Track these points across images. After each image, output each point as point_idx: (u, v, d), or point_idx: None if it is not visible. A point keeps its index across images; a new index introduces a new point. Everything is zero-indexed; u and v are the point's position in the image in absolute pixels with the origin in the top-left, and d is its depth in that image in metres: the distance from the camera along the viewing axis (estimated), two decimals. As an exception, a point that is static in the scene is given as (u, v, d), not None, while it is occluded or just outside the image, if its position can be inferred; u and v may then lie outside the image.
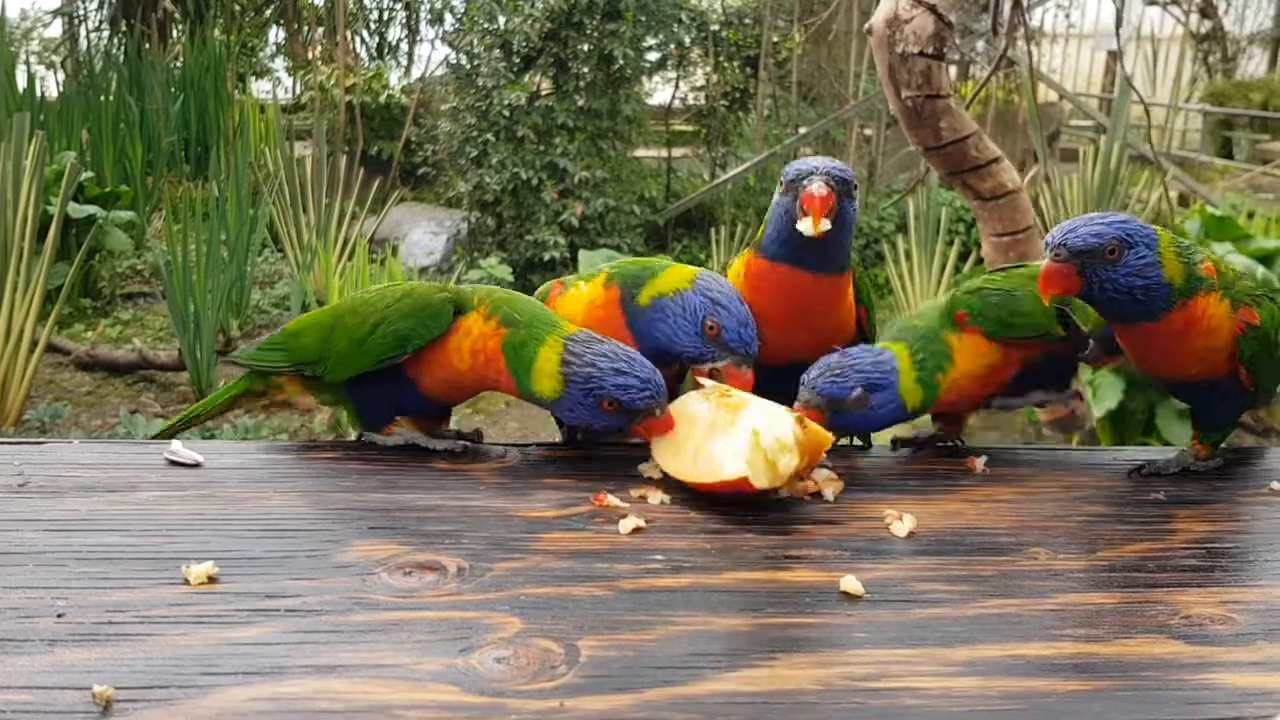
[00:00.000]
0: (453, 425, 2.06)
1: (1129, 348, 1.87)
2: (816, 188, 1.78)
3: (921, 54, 2.15)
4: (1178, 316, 1.75)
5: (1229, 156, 18.66)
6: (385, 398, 1.92)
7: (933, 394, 1.92)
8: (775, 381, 1.91)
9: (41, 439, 1.92)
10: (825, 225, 1.77)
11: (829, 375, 1.86)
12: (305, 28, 17.06)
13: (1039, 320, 1.92)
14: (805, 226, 1.79)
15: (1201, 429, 1.95)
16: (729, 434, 1.70)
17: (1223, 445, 1.97)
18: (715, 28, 13.47)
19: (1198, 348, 1.80)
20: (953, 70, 14.62)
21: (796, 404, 1.84)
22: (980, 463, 1.92)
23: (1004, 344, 1.94)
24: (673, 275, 1.88)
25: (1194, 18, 19.23)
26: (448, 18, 16.41)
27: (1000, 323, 1.92)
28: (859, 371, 1.86)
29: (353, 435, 1.98)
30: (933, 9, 2.05)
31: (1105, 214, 1.76)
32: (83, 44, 16.93)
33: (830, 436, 1.69)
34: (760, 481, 1.63)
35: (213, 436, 7.02)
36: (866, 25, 2.10)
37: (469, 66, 12.10)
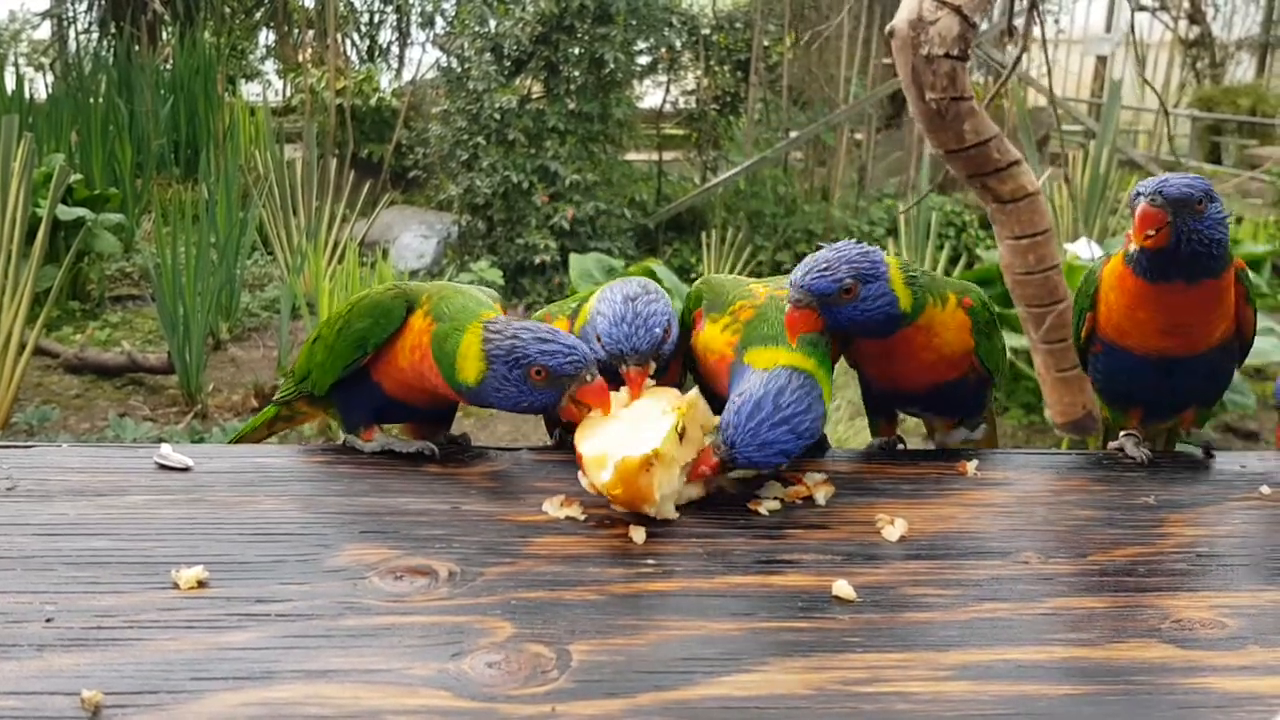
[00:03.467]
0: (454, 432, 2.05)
1: (1167, 324, 1.92)
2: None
3: (947, 56, 2.15)
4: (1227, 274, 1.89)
5: (1217, 161, 18.73)
6: (362, 403, 1.95)
7: (918, 305, 1.86)
8: None
9: (29, 442, 1.91)
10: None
11: (816, 271, 1.77)
12: (296, 30, 17.03)
13: (997, 371, 2.01)
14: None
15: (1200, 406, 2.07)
16: (631, 425, 1.68)
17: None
18: (706, 32, 13.47)
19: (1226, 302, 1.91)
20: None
21: (788, 306, 1.76)
22: (971, 466, 1.92)
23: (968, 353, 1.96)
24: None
25: (1183, 23, 19.31)
26: (439, 21, 16.39)
27: (987, 344, 1.96)
28: (848, 262, 1.78)
29: (340, 439, 1.98)
30: (958, 10, 2.05)
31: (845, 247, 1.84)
32: (72, 46, 16.86)
33: (653, 498, 1.59)
34: (588, 472, 1.62)
35: (202, 440, 6.99)
36: (888, 28, 2.10)
37: (460, 70, 12.09)
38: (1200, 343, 1.93)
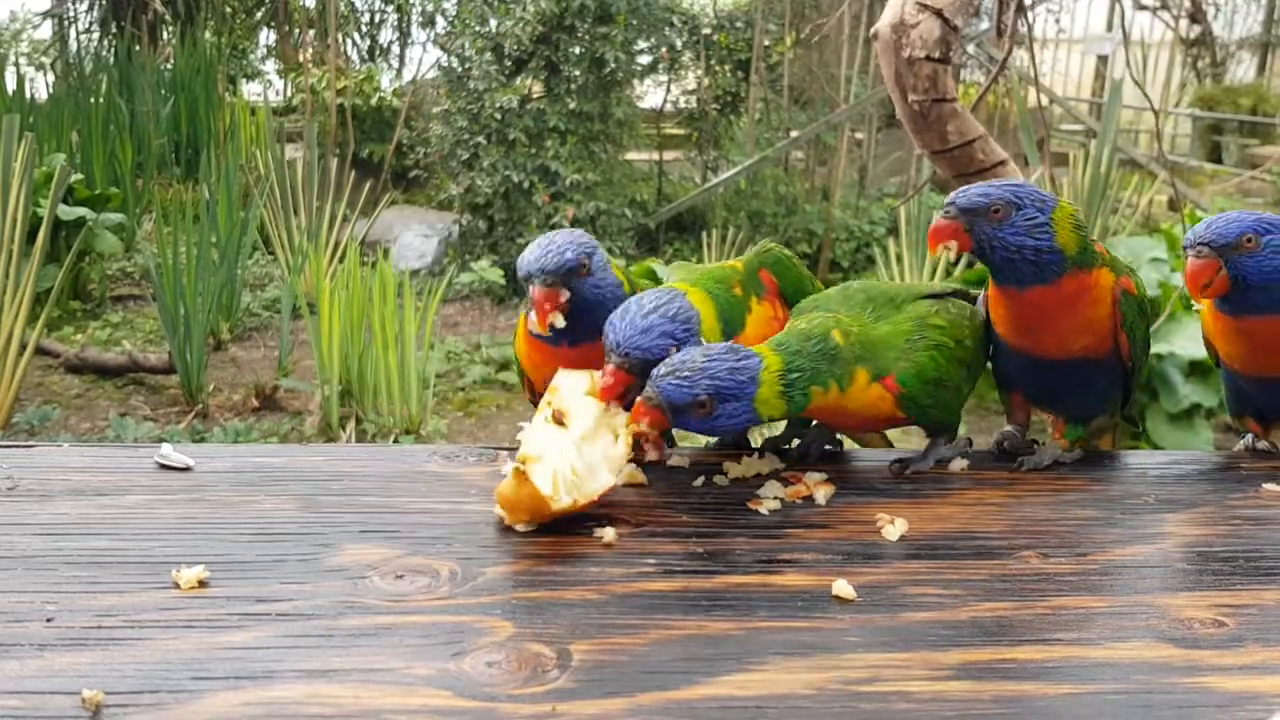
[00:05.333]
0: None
1: (1019, 325, 1.89)
2: (536, 294, 1.77)
3: (928, 59, 2.16)
4: (1069, 282, 1.81)
5: (1218, 161, 18.72)
6: None
7: (797, 408, 1.74)
8: None
9: (30, 442, 1.91)
10: (559, 322, 1.77)
11: (677, 376, 1.64)
12: (296, 30, 17.04)
13: (953, 417, 1.94)
14: (533, 327, 1.79)
15: (1069, 419, 1.99)
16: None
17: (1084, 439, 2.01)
18: (707, 31, 13.47)
19: (1086, 318, 1.86)
20: (943, 74, 14.60)
21: (640, 398, 1.68)
22: (963, 465, 1.92)
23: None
24: None
25: (1183, 23, 19.30)
26: (439, 20, 16.40)
27: (923, 411, 1.86)
28: (711, 379, 1.64)
29: (343, 438, 1.98)
30: (939, 14, 2.06)
31: (1008, 180, 1.83)
32: (73, 46, 16.89)
33: (546, 501, 1.54)
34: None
35: (203, 440, 6.99)
36: (872, 30, 2.11)
37: (460, 69, 12.10)
38: (1055, 348, 1.89)
